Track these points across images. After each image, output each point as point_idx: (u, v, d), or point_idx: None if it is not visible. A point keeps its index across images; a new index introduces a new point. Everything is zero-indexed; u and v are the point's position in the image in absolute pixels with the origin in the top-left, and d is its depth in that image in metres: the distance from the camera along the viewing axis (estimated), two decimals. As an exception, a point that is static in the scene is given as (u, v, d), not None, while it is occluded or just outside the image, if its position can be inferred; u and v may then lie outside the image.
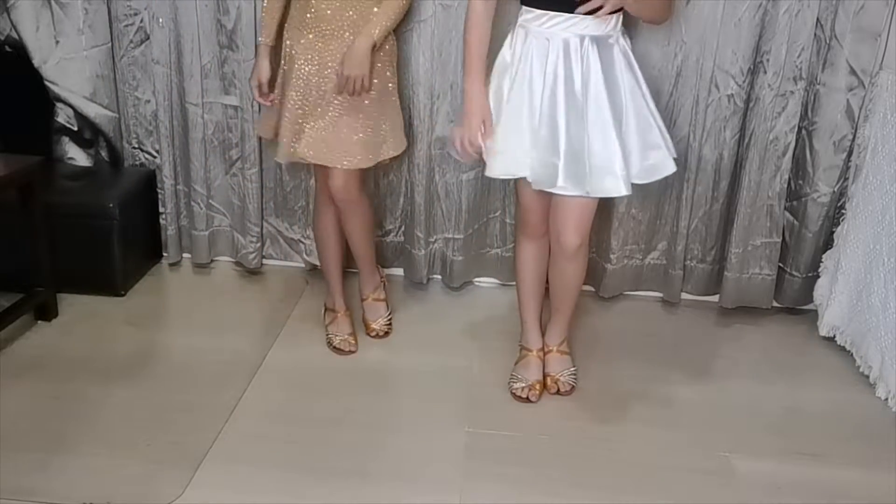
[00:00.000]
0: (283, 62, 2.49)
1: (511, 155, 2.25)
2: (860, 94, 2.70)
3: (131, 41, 2.97)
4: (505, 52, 2.29)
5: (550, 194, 2.27)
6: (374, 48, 2.36)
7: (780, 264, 2.96)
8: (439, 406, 2.42)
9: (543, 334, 2.57)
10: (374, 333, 2.73)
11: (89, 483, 2.05)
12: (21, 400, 2.36)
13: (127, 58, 2.99)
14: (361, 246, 2.67)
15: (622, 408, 2.45)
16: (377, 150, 2.49)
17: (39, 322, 2.74)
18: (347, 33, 2.37)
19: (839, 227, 2.80)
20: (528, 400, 2.44)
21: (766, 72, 2.70)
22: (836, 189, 2.82)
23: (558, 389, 2.47)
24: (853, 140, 2.75)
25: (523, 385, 2.46)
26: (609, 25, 2.20)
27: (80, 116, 3.02)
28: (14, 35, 2.92)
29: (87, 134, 3.07)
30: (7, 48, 2.95)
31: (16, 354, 2.58)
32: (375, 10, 2.36)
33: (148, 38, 2.93)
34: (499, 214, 3.02)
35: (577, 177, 2.18)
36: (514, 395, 2.46)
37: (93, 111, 3.01)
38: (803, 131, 2.80)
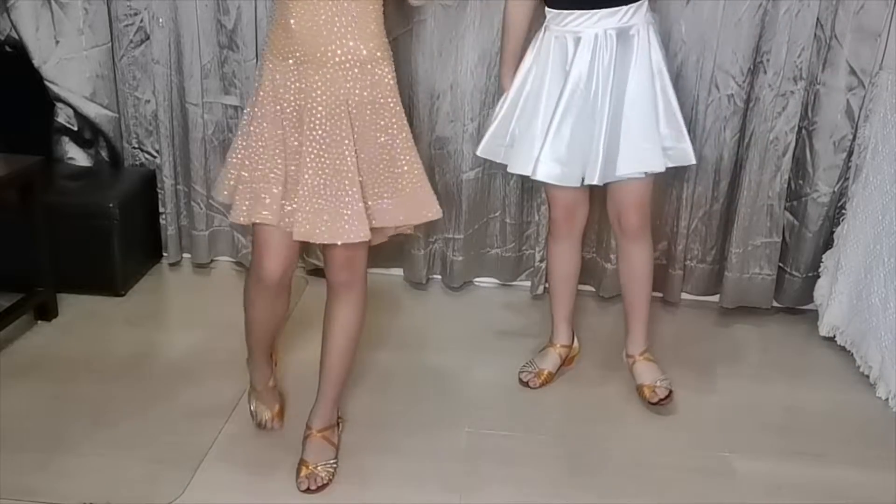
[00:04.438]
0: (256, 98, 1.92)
1: (525, 153, 2.29)
2: (860, 94, 2.70)
3: (131, 41, 2.97)
4: (528, 54, 2.32)
5: (578, 191, 2.33)
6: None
7: (781, 264, 2.96)
8: (439, 406, 2.42)
9: (626, 343, 2.50)
10: (305, 486, 2.02)
11: (89, 483, 2.05)
12: (21, 400, 2.35)
13: (127, 58, 2.99)
14: (345, 352, 2.06)
15: (622, 407, 2.45)
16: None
17: (39, 322, 2.74)
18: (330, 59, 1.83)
19: (839, 227, 2.80)
20: (526, 385, 2.49)
21: (766, 72, 2.70)
22: (836, 189, 2.82)
23: (659, 399, 2.35)
24: (853, 140, 2.75)
25: (530, 371, 2.52)
26: (626, 16, 2.17)
27: (80, 116, 3.02)
28: (14, 35, 2.92)
29: (87, 134, 3.07)
30: (7, 48, 2.95)
31: (16, 354, 2.58)
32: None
33: (148, 38, 2.93)
34: (499, 214, 3.01)
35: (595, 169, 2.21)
36: (519, 379, 2.52)
37: (93, 111, 3.02)
38: (803, 131, 2.80)
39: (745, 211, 2.85)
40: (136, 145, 3.11)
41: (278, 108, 1.87)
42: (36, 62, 2.94)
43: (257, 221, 1.92)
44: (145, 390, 2.43)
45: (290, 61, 1.83)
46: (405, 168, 1.97)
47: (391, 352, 2.68)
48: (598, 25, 2.17)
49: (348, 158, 1.86)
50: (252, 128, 1.91)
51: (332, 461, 2.10)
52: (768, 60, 2.69)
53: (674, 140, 2.26)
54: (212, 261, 3.20)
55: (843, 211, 2.80)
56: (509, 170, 2.39)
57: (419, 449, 2.24)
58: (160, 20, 2.87)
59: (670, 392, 2.38)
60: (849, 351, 2.72)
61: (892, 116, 2.54)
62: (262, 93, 1.90)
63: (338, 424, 2.19)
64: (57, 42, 2.93)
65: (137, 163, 3.13)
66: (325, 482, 2.05)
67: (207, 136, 3.00)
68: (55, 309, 2.78)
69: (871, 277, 2.58)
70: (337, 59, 1.82)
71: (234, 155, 1.97)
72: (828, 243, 2.88)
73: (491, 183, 2.97)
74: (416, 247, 3.03)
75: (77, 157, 3.08)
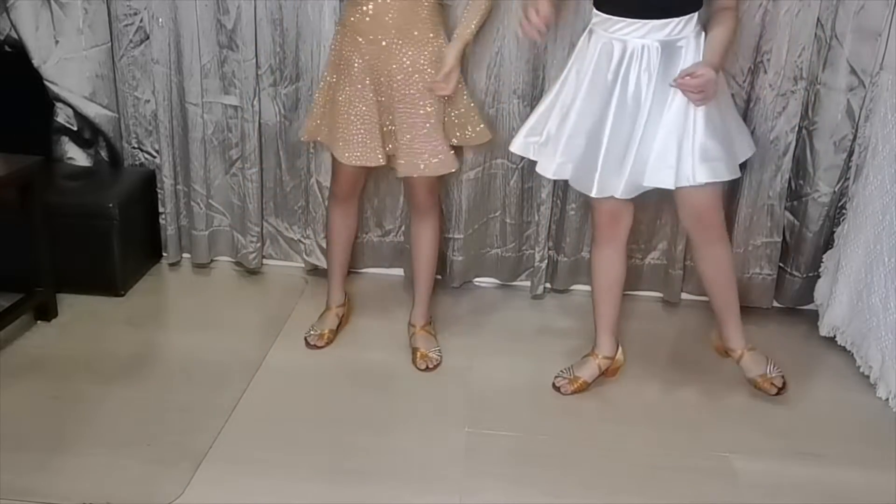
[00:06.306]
0: (336, 63, 2.48)
1: (574, 164, 2.31)
2: (861, 94, 2.70)
3: (131, 41, 2.96)
4: (572, 57, 2.33)
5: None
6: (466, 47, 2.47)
7: (781, 264, 2.96)
8: (439, 406, 2.42)
9: (722, 339, 2.50)
10: (424, 366, 2.58)
11: (89, 483, 2.05)
12: (21, 400, 2.36)
13: (126, 58, 2.99)
14: (430, 264, 2.67)
15: (622, 407, 2.45)
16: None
17: (39, 322, 2.74)
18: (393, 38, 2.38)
19: (840, 227, 2.80)
20: (558, 390, 2.48)
21: (766, 71, 2.69)
22: (836, 189, 2.82)
23: (778, 390, 2.42)
24: (854, 140, 2.75)
25: (565, 377, 2.51)
26: (676, 28, 2.15)
27: (79, 116, 3.02)
28: (14, 35, 2.92)
29: (87, 134, 3.06)
30: (7, 48, 2.95)
31: (16, 354, 2.58)
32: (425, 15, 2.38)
33: (147, 38, 2.93)
34: (499, 214, 3.01)
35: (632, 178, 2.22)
36: (553, 384, 2.51)
37: (92, 111, 3.01)
38: (804, 131, 2.80)
39: (745, 211, 2.85)
40: (136, 145, 3.11)
41: (367, 76, 2.41)
42: (36, 62, 2.94)
43: (365, 164, 2.49)
44: (145, 390, 2.43)
45: (384, 43, 2.38)
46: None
47: (391, 352, 2.67)
48: (647, 37, 2.15)
49: (430, 109, 2.45)
50: (345, 95, 2.45)
51: (437, 348, 2.65)
52: (769, 60, 2.68)
53: (718, 152, 2.22)
54: (211, 261, 3.19)
55: (844, 211, 2.80)
56: (538, 169, 2.41)
57: (419, 449, 2.24)
58: (160, 20, 2.87)
59: (784, 382, 2.43)
60: (849, 351, 2.71)
61: (892, 116, 2.54)
62: (347, 67, 2.43)
63: (430, 322, 2.72)
64: (57, 42, 2.93)
65: (137, 163, 3.13)
66: (437, 362, 2.59)
67: (207, 136, 3.00)
68: (55, 309, 2.78)
69: (871, 277, 2.58)
70: (414, 39, 2.39)
71: (317, 106, 2.57)
72: (828, 243, 2.88)
73: (491, 183, 2.97)
74: (416, 247, 3.03)
75: (77, 157, 3.08)
